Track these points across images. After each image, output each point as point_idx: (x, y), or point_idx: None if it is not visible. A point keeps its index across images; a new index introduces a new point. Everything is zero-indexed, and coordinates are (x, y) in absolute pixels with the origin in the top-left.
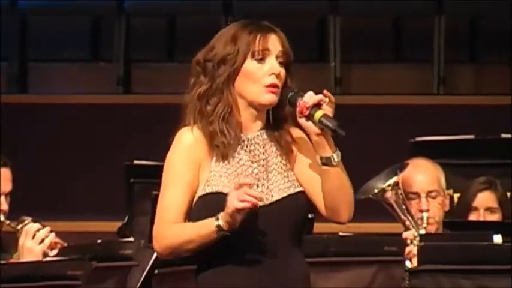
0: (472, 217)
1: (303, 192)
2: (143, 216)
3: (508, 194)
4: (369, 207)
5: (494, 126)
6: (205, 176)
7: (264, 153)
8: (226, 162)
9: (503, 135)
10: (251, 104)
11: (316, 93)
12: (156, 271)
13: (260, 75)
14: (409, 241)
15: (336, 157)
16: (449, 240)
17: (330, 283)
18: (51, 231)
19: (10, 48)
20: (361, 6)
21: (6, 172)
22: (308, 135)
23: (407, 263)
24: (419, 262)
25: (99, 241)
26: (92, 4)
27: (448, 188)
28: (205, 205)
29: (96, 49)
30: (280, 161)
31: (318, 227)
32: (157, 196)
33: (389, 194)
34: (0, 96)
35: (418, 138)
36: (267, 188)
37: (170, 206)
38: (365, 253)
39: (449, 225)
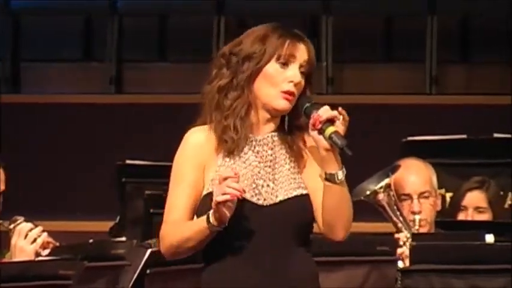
0: (461, 216)
1: (309, 196)
2: (135, 216)
3: (502, 193)
4: (361, 207)
5: (486, 126)
6: (211, 176)
7: (271, 155)
8: (232, 161)
9: (496, 135)
10: (264, 107)
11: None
12: (148, 271)
13: (280, 80)
14: (401, 242)
15: (340, 175)
16: (441, 239)
17: (322, 283)
18: (44, 231)
19: (3, 48)
20: (353, 6)
21: None
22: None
23: (400, 263)
24: (411, 262)
25: (91, 241)
26: (84, 4)
27: (440, 187)
28: (208, 204)
29: (88, 49)
30: (289, 164)
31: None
32: (149, 196)
33: (381, 196)
34: None
35: (410, 138)
36: (272, 188)
37: (174, 207)
38: (358, 253)
39: (441, 225)
